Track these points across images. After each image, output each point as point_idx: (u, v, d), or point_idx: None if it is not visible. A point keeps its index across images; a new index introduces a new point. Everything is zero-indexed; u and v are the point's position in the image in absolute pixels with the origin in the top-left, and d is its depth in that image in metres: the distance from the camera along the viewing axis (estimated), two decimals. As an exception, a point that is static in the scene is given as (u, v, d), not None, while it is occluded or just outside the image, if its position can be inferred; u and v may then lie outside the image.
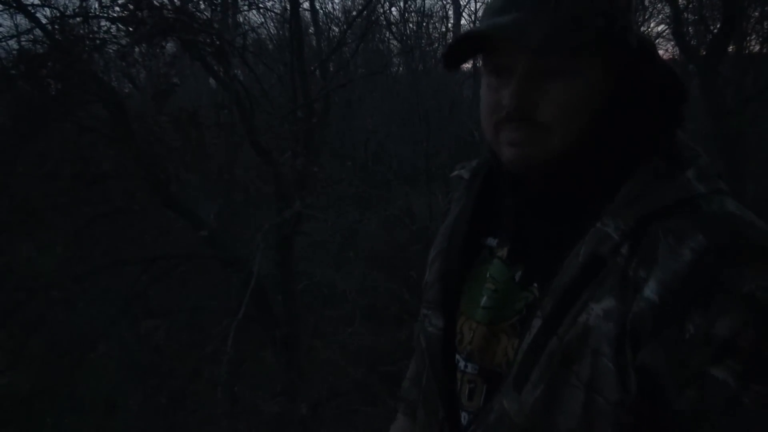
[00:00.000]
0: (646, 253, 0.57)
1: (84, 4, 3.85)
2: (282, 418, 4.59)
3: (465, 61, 0.68)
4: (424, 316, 0.77)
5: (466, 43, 0.65)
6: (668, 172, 0.61)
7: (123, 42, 3.90)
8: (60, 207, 4.14)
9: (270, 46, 8.17)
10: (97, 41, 3.86)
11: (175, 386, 4.86)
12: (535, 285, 0.67)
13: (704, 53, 6.31)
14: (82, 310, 4.90)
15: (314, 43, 7.94)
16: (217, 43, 4.08)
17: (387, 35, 8.99)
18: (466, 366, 0.71)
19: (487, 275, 0.72)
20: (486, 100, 0.67)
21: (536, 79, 0.62)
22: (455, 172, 0.85)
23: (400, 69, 9.06)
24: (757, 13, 7.04)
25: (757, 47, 7.65)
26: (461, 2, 9.33)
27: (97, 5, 3.81)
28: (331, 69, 6.66)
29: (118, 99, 3.94)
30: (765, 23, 7.44)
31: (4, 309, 4.00)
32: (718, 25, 6.18)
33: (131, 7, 3.68)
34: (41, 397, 4.42)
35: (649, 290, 0.56)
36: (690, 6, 7.11)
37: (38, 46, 3.96)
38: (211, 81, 6.45)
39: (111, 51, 4.14)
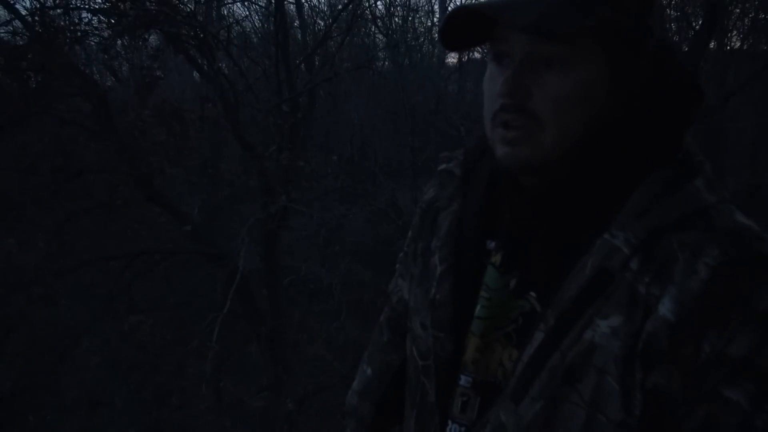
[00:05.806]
0: (660, 269, 0.55)
1: (64, -5, 3.80)
2: (267, 412, 4.60)
3: (468, 45, 0.65)
4: (435, 338, 0.70)
5: (463, 24, 0.61)
6: (678, 181, 0.59)
7: (105, 34, 3.86)
8: (41, 201, 4.09)
9: (255, 40, 8.11)
10: (79, 33, 3.81)
11: (160, 382, 4.83)
12: (533, 294, 0.63)
13: (686, 49, 6.38)
14: (65, 306, 4.84)
15: (299, 36, 7.90)
16: (201, 36, 4.06)
17: (372, 29, 8.97)
18: (459, 378, 0.68)
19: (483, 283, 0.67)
20: (486, 92, 0.64)
21: (534, 66, 0.59)
22: (443, 166, 0.81)
23: (386, 63, 9.04)
24: (738, 10, 7.14)
25: (738, 43, 7.77)
26: (446, -3, 9.33)
27: (78, -4, 3.77)
28: (317, 63, 6.63)
29: (100, 92, 3.89)
30: (746, 19, 7.55)
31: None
32: (700, 21, 6.25)
33: (113, -2, 3.64)
34: (23, 395, 4.36)
35: (665, 309, 0.53)
36: (672, 2, 7.19)
37: (18, 38, 3.90)
38: (195, 74, 6.39)
39: (93, 43, 4.10)
